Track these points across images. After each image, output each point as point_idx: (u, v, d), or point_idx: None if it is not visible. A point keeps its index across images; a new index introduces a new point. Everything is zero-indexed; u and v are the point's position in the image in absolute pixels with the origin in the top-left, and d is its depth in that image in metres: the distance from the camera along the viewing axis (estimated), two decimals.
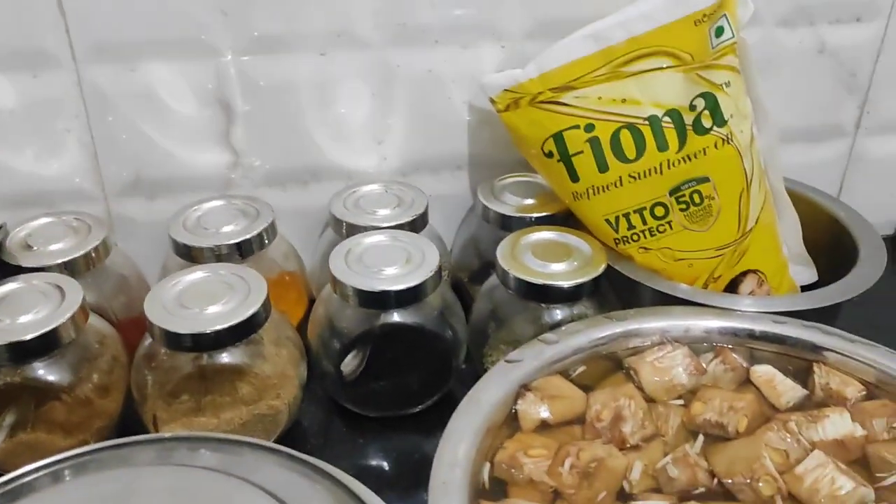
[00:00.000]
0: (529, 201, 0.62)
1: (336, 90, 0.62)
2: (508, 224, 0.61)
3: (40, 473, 0.40)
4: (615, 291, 0.57)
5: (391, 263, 0.53)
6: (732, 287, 0.58)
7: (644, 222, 0.55)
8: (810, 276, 0.62)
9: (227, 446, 0.42)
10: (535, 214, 0.61)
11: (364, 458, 0.54)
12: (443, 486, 0.39)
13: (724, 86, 0.54)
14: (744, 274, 0.57)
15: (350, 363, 0.55)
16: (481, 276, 0.62)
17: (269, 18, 0.58)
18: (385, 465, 0.53)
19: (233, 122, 0.61)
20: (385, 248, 0.54)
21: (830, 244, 0.62)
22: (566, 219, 0.60)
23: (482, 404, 0.44)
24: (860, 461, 0.43)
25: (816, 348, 0.49)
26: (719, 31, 0.54)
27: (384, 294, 0.51)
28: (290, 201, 0.65)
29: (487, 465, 0.42)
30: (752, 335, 0.50)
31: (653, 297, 0.55)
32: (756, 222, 0.56)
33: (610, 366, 0.49)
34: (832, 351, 0.49)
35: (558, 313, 0.54)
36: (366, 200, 0.61)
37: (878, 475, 0.42)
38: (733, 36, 0.54)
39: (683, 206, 0.55)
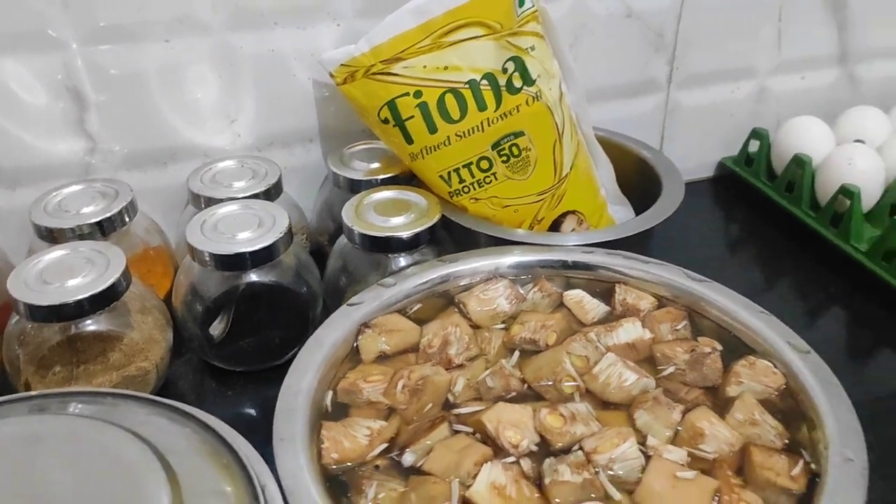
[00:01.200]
0: (375, 165, 0.68)
1: (185, 74, 0.66)
2: (358, 187, 0.66)
3: None
4: (454, 240, 0.64)
5: (244, 229, 0.58)
6: (555, 227, 0.65)
7: (472, 175, 0.62)
8: (627, 213, 0.70)
9: (96, 398, 0.46)
10: (381, 176, 0.67)
11: (234, 408, 0.59)
12: (287, 411, 0.44)
13: (529, 50, 0.61)
14: (564, 215, 0.65)
15: (217, 326, 0.59)
16: (338, 237, 0.67)
17: (111, 8, 0.61)
18: (253, 412, 0.59)
19: (86, 109, 0.64)
20: (238, 216, 0.59)
21: (642, 184, 0.70)
22: (409, 179, 0.67)
23: (324, 342, 0.50)
24: (648, 359, 0.51)
25: (618, 271, 0.57)
26: (521, 2, 0.60)
27: (239, 256, 0.56)
28: (150, 182, 0.69)
29: (330, 393, 0.48)
30: (565, 265, 0.58)
31: (487, 241, 0.62)
32: (571, 168, 0.64)
33: (443, 302, 0.56)
34: (630, 272, 0.57)
35: (401, 261, 0.60)
36: (222, 175, 0.66)
37: (659, 368, 0.50)
38: (533, 6, 0.61)
39: (504, 159, 0.62)
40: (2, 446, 0.41)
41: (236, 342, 0.60)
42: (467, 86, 0.60)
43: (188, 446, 0.42)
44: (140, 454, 0.39)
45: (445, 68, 0.60)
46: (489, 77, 0.60)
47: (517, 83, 0.60)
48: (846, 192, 0.71)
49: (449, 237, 0.64)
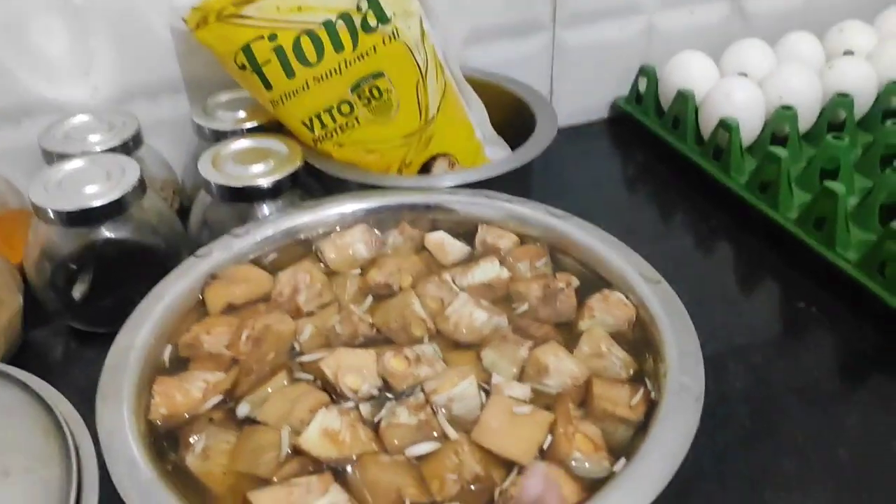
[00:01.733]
0: (241, 115, 0.66)
1: (29, 26, 0.62)
2: (223, 138, 0.63)
3: None
4: (325, 189, 0.62)
5: (91, 182, 0.55)
6: (425, 170, 0.64)
7: (334, 120, 0.60)
8: (504, 153, 0.69)
9: None
10: (247, 125, 0.64)
11: (96, 369, 0.57)
12: (113, 368, 0.43)
13: None
14: (434, 158, 0.63)
15: (77, 288, 0.57)
16: None
17: None
18: None
19: None
20: (85, 171, 0.56)
21: (520, 125, 0.69)
22: (277, 128, 0.64)
23: (164, 296, 0.48)
24: (506, 298, 0.50)
25: (479, 210, 0.56)
26: None
27: (86, 211, 0.53)
28: (5, 141, 0.65)
29: (169, 347, 0.46)
30: (427, 207, 0.56)
31: (357, 188, 0.60)
32: (438, 111, 0.62)
33: (302, 251, 0.54)
34: (490, 211, 0.56)
35: (265, 208, 0.58)
36: (76, 130, 0.63)
37: (514, 306, 0.49)
38: None
39: (366, 102, 0.60)
40: None
41: (96, 302, 0.57)
42: (322, 27, 0.58)
43: (3, 408, 0.40)
44: None
45: (299, 8, 0.58)
46: (344, 17, 0.58)
47: (372, 22, 0.58)
48: (725, 125, 0.71)
49: (319, 186, 0.62)
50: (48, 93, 0.65)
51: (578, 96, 0.83)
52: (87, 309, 0.57)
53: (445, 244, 0.54)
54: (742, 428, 0.51)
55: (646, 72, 0.82)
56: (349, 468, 0.39)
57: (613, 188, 0.80)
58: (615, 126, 0.89)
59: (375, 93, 0.59)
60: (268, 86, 0.59)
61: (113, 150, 0.61)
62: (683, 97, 0.76)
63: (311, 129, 0.60)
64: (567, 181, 0.77)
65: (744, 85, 0.73)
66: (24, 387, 0.42)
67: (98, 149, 0.61)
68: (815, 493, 0.46)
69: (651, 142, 0.82)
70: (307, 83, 0.59)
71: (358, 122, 0.60)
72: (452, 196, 0.56)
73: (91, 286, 0.57)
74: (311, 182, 0.61)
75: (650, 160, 0.82)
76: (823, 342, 0.58)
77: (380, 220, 0.56)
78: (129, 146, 0.62)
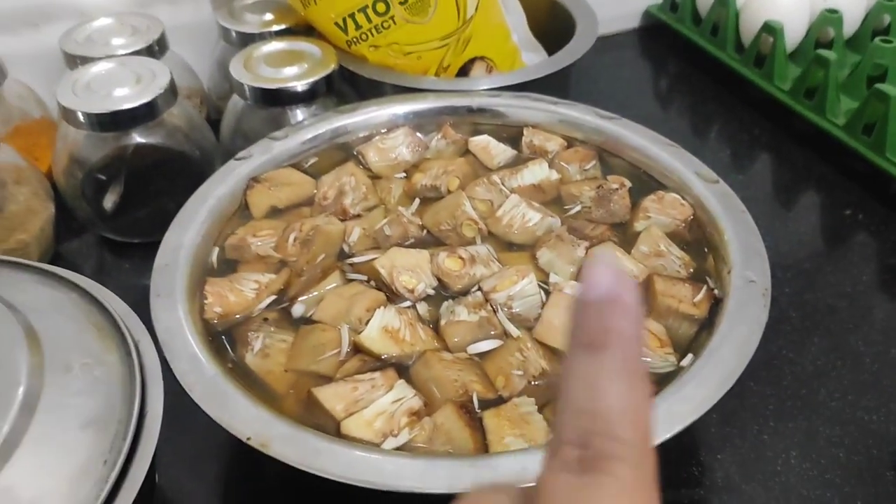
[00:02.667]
0: (269, 17, 0.63)
1: None
2: (251, 42, 0.61)
3: None
4: (359, 93, 0.60)
5: (121, 85, 0.53)
6: (463, 74, 0.62)
7: (369, 20, 0.58)
8: (541, 59, 0.66)
9: None
10: (275, 28, 0.62)
11: (132, 280, 0.56)
12: (164, 267, 0.42)
13: None
14: (472, 61, 0.61)
15: (109, 198, 0.55)
16: None
17: None
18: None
19: None
20: (112, 73, 0.54)
21: (557, 30, 0.66)
22: (307, 31, 0.62)
23: (208, 198, 0.46)
24: (556, 200, 0.49)
25: (525, 113, 0.54)
26: None
27: (118, 114, 0.51)
28: (24, 46, 0.62)
29: (216, 250, 0.45)
30: (470, 110, 0.55)
31: (393, 92, 0.58)
32: (476, 10, 0.60)
33: (342, 155, 0.53)
34: (537, 114, 0.54)
35: (298, 114, 0.56)
36: (98, 34, 0.60)
37: (566, 208, 0.48)
38: None
39: (402, 0, 0.57)
40: None
41: (129, 212, 0.56)
42: None
43: (55, 307, 0.39)
44: None
45: None
46: None
47: None
48: (769, 28, 0.68)
49: (353, 91, 0.60)
50: None
51: (610, 5, 0.80)
52: (119, 219, 0.56)
53: (490, 147, 0.52)
54: (794, 331, 0.50)
55: None
56: (411, 365, 0.38)
57: (648, 98, 0.77)
58: (647, 35, 0.86)
59: None
60: None
61: (137, 53, 0.58)
62: (724, 2, 0.73)
63: (345, 31, 0.58)
64: (601, 90, 0.75)
65: None
66: (75, 286, 0.40)
67: (121, 52, 0.58)
68: (869, 395, 0.46)
69: (686, 51, 0.80)
70: None
71: (394, 22, 0.57)
72: (498, 99, 0.54)
73: (123, 195, 0.55)
74: (344, 87, 0.59)
75: (685, 70, 0.79)
76: (870, 248, 0.57)
77: (421, 123, 0.54)
78: (154, 50, 0.60)
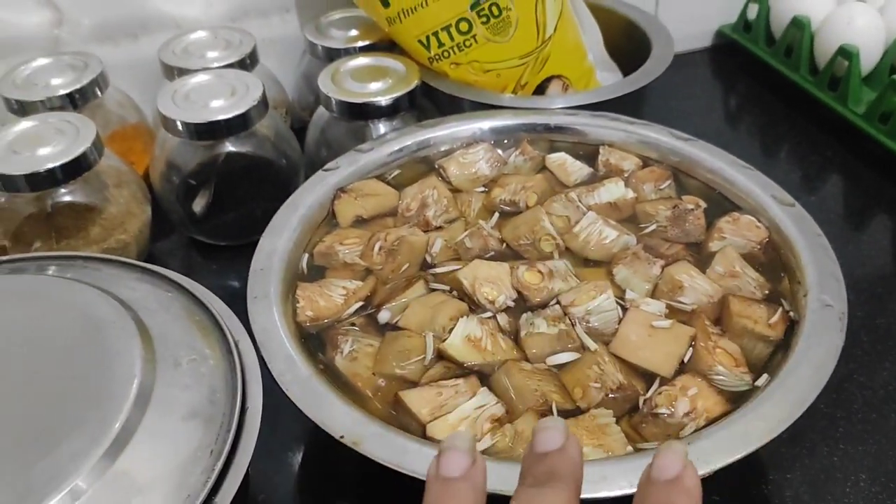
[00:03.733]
0: (353, 33, 0.66)
1: None
2: (337, 57, 0.64)
3: None
4: (438, 108, 0.62)
5: (217, 97, 0.56)
6: (540, 92, 0.63)
7: (451, 38, 0.60)
8: (615, 78, 0.68)
9: (71, 262, 0.46)
10: (360, 44, 0.64)
11: (219, 281, 0.59)
12: (260, 271, 0.44)
13: None
14: (549, 79, 0.63)
15: (199, 201, 0.59)
16: None
17: None
18: (236, 284, 0.58)
19: None
20: (210, 85, 0.57)
21: (633, 50, 0.67)
22: (390, 47, 0.64)
23: (299, 206, 0.49)
24: (631, 218, 0.50)
25: (602, 132, 0.55)
26: None
27: (213, 124, 0.54)
28: (124, 56, 0.66)
29: (306, 256, 0.47)
30: (548, 128, 0.56)
31: (471, 108, 0.60)
32: (555, 30, 0.61)
33: (424, 168, 0.55)
34: (614, 133, 0.55)
35: (381, 128, 0.58)
36: (194, 46, 0.64)
37: (641, 226, 0.49)
38: None
39: (484, 20, 0.59)
40: None
41: (219, 216, 0.59)
42: None
43: (161, 304, 0.42)
44: (112, 311, 0.39)
45: None
46: None
47: None
48: (844, 52, 0.68)
49: (432, 106, 0.62)
50: (165, 7, 0.66)
51: (682, 23, 0.80)
52: (208, 222, 0.59)
53: (567, 164, 0.54)
54: (865, 354, 0.50)
55: None
56: (492, 373, 0.40)
57: (719, 117, 0.78)
58: (719, 54, 0.86)
59: (495, 10, 0.59)
60: (385, 2, 0.59)
61: (230, 66, 0.62)
62: (799, 24, 0.73)
63: (427, 48, 0.60)
64: (672, 107, 0.76)
65: (865, 11, 0.70)
66: (177, 286, 0.43)
67: (216, 65, 0.61)
68: None
69: (758, 71, 0.80)
70: (426, 0, 0.58)
71: (475, 40, 0.60)
72: (576, 117, 0.56)
73: (212, 200, 0.58)
74: (425, 101, 0.61)
75: (756, 90, 0.80)
76: None
77: (500, 139, 0.56)
78: (246, 63, 0.63)
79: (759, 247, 0.47)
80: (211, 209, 0.58)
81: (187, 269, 0.60)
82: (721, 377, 0.39)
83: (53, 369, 0.37)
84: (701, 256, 0.47)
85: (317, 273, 0.47)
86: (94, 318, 0.39)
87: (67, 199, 0.53)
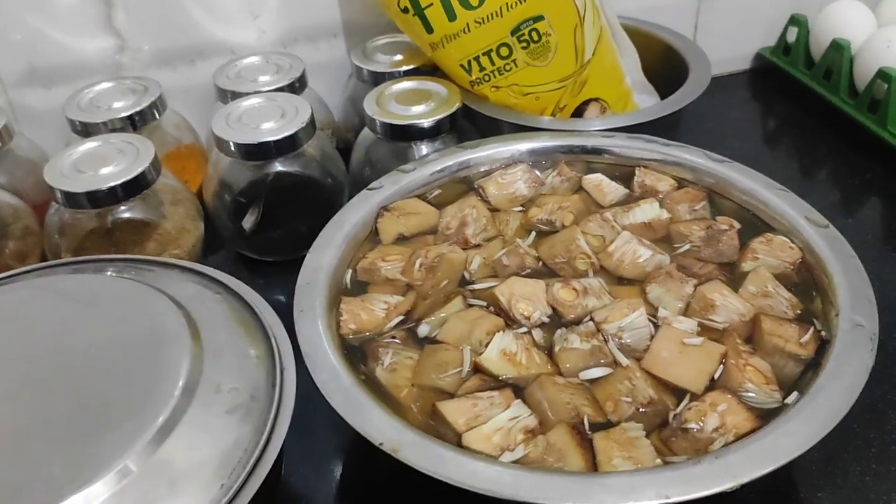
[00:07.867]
0: (398, 58, 0.68)
1: None
2: (381, 80, 0.66)
3: None
4: (478, 130, 0.64)
5: (268, 119, 0.59)
6: (578, 115, 0.65)
7: (492, 63, 0.62)
8: (653, 101, 0.69)
9: (132, 264, 0.49)
10: (404, 68, 0.67)
11: (265, 295, 0.60)
12: (306, 286, 0.46)
13: None
14: (586, 102, 0.64)
15: (248, 218, 0.61)
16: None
17: None
18: (282, 298, 0.60)
19: (113, 6, 0.65)
20: (261, 108, 0.60)
21: (670, 73, 0.69)
22: (432, 70, 0.67)
23: (344, 224, 0.51)
24: (665, 238, 0.52)
25: (638, 154, 0.57)
26: None
27: (264, 145, 0.57)
28: (180, 79, 0.70)
29: (350, 271, 0.50)
30: (584, 150, 0.58)
31: (510, 130, 0.62)
32: (593, 55, 0.63)
33: (463, 188, 0.57)
34: (650, 154, 0.56)
35: (423, 149, 0.61)
36: (247, 70, 0.67)
37: (675, 246, 0.50)
38: None
39: (524, 45, 0.61)
40: (32, 298, 0.44)
41: (266, 233, 0.62)
42: None
43: (209, 304, 0.44)
44: (164, 307, 0.42)
45: None
46: None
47: None
48: (884, 75, 0.68)
49: (472, 127, 0.64)
50: (220, 34, 0.69)
51: (722, 47, 0.82)
52: (257, 238, 0.62)
53: (603, 185, 0.55)
54: None
55: (797, 21, 0.80)
56: (526, 386, 0.42)
57: (757, 139, 0.79)
58: (758, 77, 0.87)
59: (534, 36, 0.61)
60: (429, 29, 0.62)
61: (280, 89, 0.65)
62: (839, 47, 0.74)
63: (469, 72, 0.62)
64: (709, 129, 0.77)
65: None
66: (225, 287, 0.46)
67: (266, 89, 0.64)
68: None
69: (797, 94, 0.81)
70: (468, 26, 0.60)
71: (515, 64, 0.62)
72: (612, 140, 0.57)
73: (262, 217, 0.61)
74: (465, 123, 0.63)
75: (795, 113, 0.80)
76: None
77: (537, 161, 0.58)
78: (296, 87, 0.66)
79: (791, 267, 0.48)
80: (260, 226, 0.61)
81: None
82: (751, 394, 0.40)
83: (110, 360, 0.40)
84: (734, 276, 0.48)
85: (360, 288, 0.49)
86: (147, 314, 0.42)
87: (126, 215, 0.56)
